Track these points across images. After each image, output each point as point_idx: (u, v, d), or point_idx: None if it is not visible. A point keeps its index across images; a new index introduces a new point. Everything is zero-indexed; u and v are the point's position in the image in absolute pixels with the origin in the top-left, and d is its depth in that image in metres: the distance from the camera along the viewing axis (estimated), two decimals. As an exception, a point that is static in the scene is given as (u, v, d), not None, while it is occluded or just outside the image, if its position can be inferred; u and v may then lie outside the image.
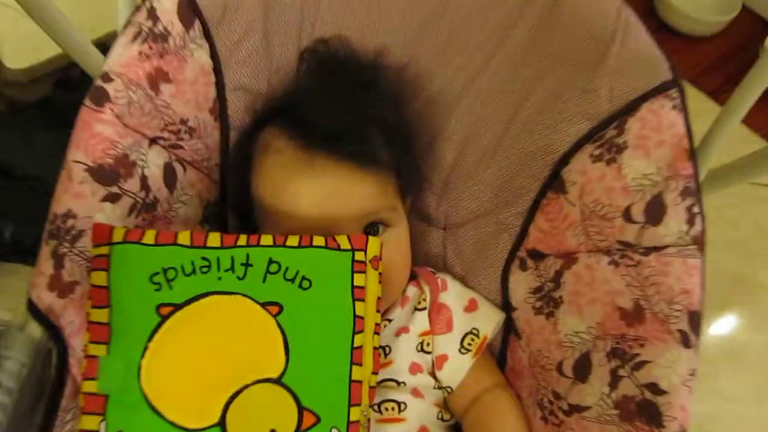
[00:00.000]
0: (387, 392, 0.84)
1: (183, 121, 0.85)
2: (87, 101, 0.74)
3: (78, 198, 0.73)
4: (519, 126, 0.90)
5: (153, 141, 0.82)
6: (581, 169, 0.83)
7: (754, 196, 1.70)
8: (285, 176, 0.82)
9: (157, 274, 0.72)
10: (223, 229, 0.97)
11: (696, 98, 1.81)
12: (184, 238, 0.74)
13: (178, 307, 0.72)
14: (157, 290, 0.72)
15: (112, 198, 0.76)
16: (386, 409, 0.83)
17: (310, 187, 0.81)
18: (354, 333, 0.72)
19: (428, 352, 0.88)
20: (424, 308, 0.90)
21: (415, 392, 0.85)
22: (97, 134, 0.74)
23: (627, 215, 0.76)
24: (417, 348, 0.87)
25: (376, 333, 0.75)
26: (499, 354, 0.94)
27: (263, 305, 0.72)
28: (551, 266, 0.87)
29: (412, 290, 0.92)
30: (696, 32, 1.99)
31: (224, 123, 0.92)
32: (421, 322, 0.89)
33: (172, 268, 0.73)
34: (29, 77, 1.19)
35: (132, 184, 0.78)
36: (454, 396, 0.88)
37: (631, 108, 0.78)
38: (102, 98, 0.75)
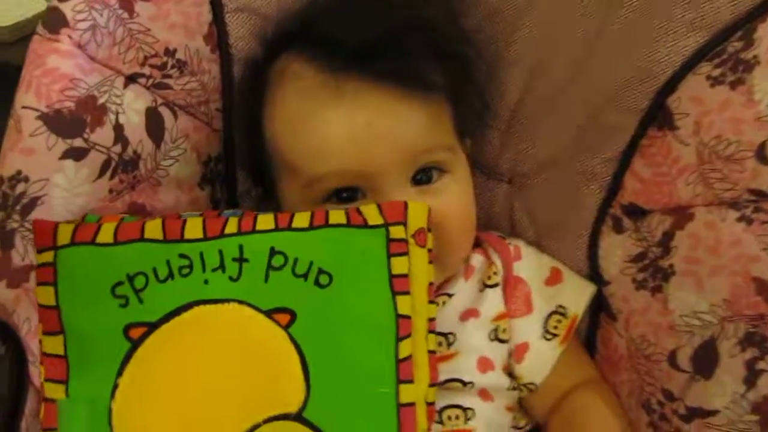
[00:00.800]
0: (449, 395, 0.76)
1: (169, 52, 0.76)
2: (39, 28, 0.65)
3: (30, 155, 0.64)
4: (608, 45, 0.78)
5: (130, 79, 0.73)
6: (695, 96, 0.72)
7: None
8: (305, 108, 0.74)
9: (120, 283, 0.63)
10: (231, 192, 0.90)
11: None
12: (153, 229, 0.65)
13: (152, 326, 0.63)
14: (122, 306, 0.63)
15: (76, 154, 0.67)
16: (449, 418, 0.75)
17: (340, 120, 0.71)
18: (398, 340, 0.62)
19: (504, 341, 0.79)
20: (497, 284, 0.81)
21: (484, 394, 0.77)
22: (51, 70, 0.65)
23: (762, 154, 0.66)
24: (489, 336, 0.79)
25: (430, 332, 0.66)
26: (585, 340, 0.86)
27: (268, 314, 0.63)
28: (657, 226, 0.76)
29: (477, 259, 0.84)
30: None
31: (224, 54, 0.84)
32: (494, 302, 0.80)
33: (140, 273, 0.64)
34: (16, 36, 1.18)
35: (102, 136, 0.69)
36: (535, 395, 0.81)
37: (762, 11, 0.68)
38: (57, 23, 0.66)
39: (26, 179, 0.63)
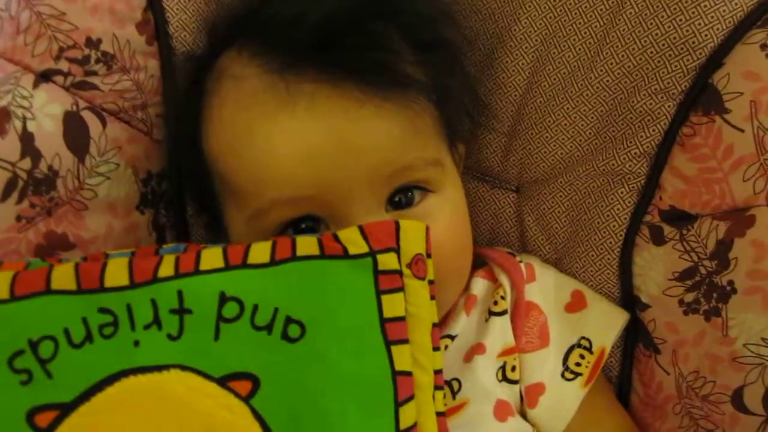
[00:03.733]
0: None
1: (92, 43, 0.65)
2: None
3: None
4: (630, 14, 0.69)
5: (42, 77, 0.63)
6: (749, 69, 0.63)
7: None
8: (248, 120, 0.63)
9: (21, 353, 0.51)
10: (179, 216, 0.80)
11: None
12: (63, 277, 0.53)
13: (66, 408, 0.51)
14: (24, 382, 0.51)
15: None
16: None
17: (291, 133, 0.61)
18: (397, 405, 0.51)
19: (513, 381, 0.69)
20: (505, 311, 0.72)
21: None
22: None
23: None
24: (498, 375, 0.69)
25: (438, 388, 0.55)
26: (618, 379, 0.78)
27: (222, 382, 0.51)
28: (709, 234, 0.68)
29: (480, 284, 0.74)
30: None
31: (164, 47, 0.74)
32: (501, 333, 0.71)
33: (47, 337, 0.52)
34: None
35: (5, 148, 0.58)
36: None
37: None
38: None
39: None
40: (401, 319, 0.53)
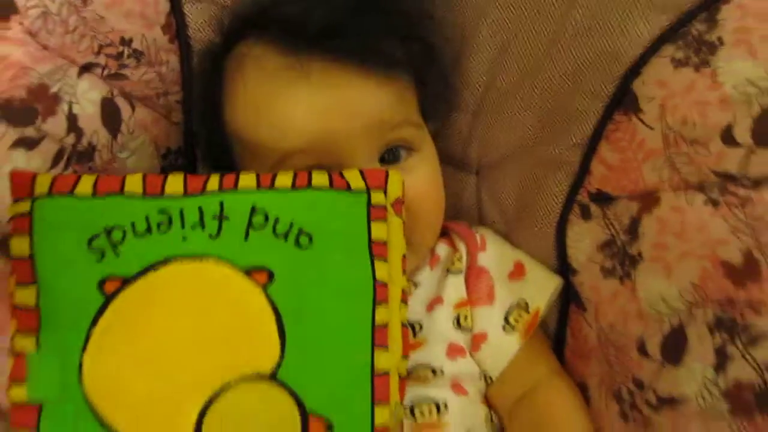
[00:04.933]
0: (421, 388, 0.75)
1: (125, 42, 0.76)
2: None
3: None
4: (571, 30, 0.79)
5: (84, 69, 0.72)
6: (660, 78, 0.73)
7: None
8: (270, 89, 0.74)
9: (97, 236, 0.63)
10: None
11: None
12: (133, 184, 0.65)
13: (127, 281, 0.62)
14: (98, 259, 0.62)
15: (28, 143, 0.66)
16: (422, 413, 0.74)
17: (305, 99, 0.72)
18: (375, 305, 0.62)
19: (467, 329, 0.79)
20: (460, 271, 0.82)
21: (457, 386, 0.76)
22: (1, 58, 0.64)
23: (727, 136, 0.66)
24: (453, 323, 0.79)
25: (403, 302, 0.66)
26: (556, 333, 0.85)
27: (247, 272, 0.62)
28: (624, 212, 0.76)
29: (443, 249, 0.84)
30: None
31: (183, 45, 0.84)
32: (456, 288, 0.81)
33: (118, 227, 0.63)
34: None
35: (55, 125, 0.69)
36: (495, 389, 0.80)
37: None
38: (7, 9, 0.64)
39: None
40: (383, 242, 0.64)
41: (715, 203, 0.66)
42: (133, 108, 0.79)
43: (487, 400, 0.80)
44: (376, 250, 0.63)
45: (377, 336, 0.61)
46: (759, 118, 0.63)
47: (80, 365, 0.61)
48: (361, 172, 0.66)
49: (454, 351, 0.78)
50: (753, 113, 0.64)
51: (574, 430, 0.76)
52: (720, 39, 0.67)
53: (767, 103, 0.63)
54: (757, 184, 0.63)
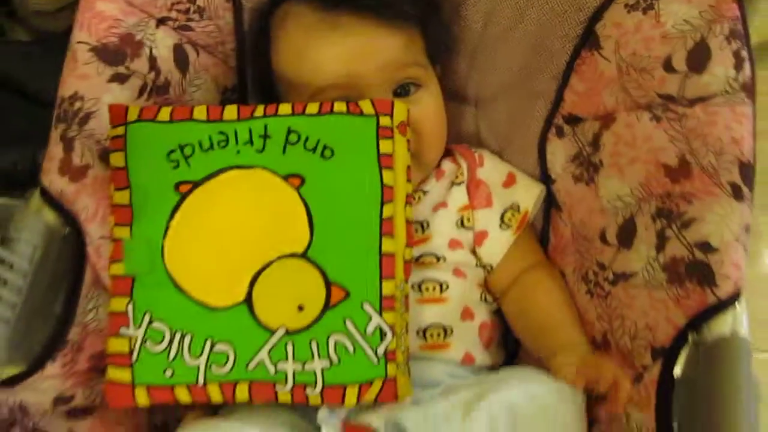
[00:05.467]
0: (427, 270, 0.84)
1: (191, 0, 0.85)
2: None
3: (84, 79, 0.74)
4: None
5: (160, 21, 0.82)
6: (616, 21, 0.80)
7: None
8: (307, 39, 0.83)
9: (173, 151, 0.74)
10: None
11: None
12: (199, 112, 0.75)
13: (196, 184, 0.74)
14: (174, 168, 0.74)
15: (120, 78, 0.76)
16: (427, 289, 0.82)
17: (334, 45, 0.81)
18: (383, 203, 0.71)
19: (469, 228, 0.88)
20: (462, 182, 0.89)
21: (457, 271, 0.85)
22: (99, 13, 0.74)
23: (668, 65, 0.73)
24: (457, 224, 0.87)
25: (408, 204, 0.75)
26: (541, 232, 0.94)
27: (284, 178, 0.72)
28: (589, 129, 0.84)
29: (448, 165, 0.91)
30: None
31: (237, 3, 0.91)
32: (459, 196, 0.89)
33: (188, 144, 0.74)
34: (56, 5, 1.16)
35: (140, 65, 0.79)
36: (494, 275, 0.88)
37: None
38: None
39: (82, 98, 0.73)
40: (389, 155, 0.72)
41: (658, 119, 0.74)
42: (197, 53, 0.87)
43: (482, 285, 0.87)
44: (383, 161, 0.72)
45: (384, 226, 0.71)
46: (692, 50, 0.71)
47: (162, 247, 0.72)
48: (372, 102, 0.74)
49: (454, 244, 0.86)
50: (687, 46, 0.71)
51: (554, 300, 0.84)
52: (663, -13, 0.74)
53: (699, 38, 0.70)
54: (691, 102, 0.71)
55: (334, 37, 0.81)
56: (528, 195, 0.91)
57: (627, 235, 0.76)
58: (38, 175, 0.73)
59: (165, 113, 0.75)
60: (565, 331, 0.81)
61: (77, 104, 0.73)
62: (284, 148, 0.73)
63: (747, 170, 0.67)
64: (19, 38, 1.19)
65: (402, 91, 0.85)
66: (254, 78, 0.94)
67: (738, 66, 0.69)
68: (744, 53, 0.69)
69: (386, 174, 0.72)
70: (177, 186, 0.74)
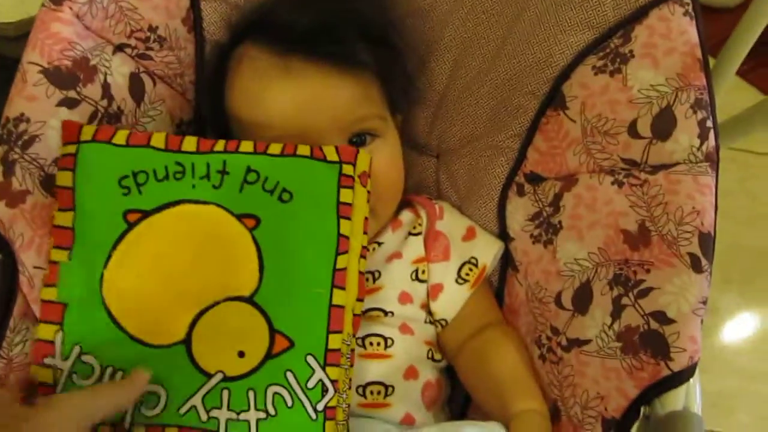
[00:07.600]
0: (373, 325, 0.82)
1: (152, 29, 0.83)
2: (45, 1, 0.73)
3: (31, 101, 0.71)
4: (515, 40, 0.86)
5: (118, 48, 0.80)
6: (583, 82, 0.80)
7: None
8: (260, 84, 0.81)
9: (126, 177, 0.72)
10: None
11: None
12: (158, 140, 0.73)
13: (146, 214, 0.72)
14: (125, 194, 0.72)
15: (69, 103, 0.74)
16: (371, 344, 0.81)
17: (287, 93, 0.79)
18: (337, 253, 0.70)
19: (423, 281, 0.86)
20: (420, 233, 0.89)
21: (404, 327, 0.83)
22: (54, 34, 0.72)
23: (632, 130, 0.73)
24: (411, 276, 0.86)
25: (362, 257, 0.73)
26: (496, 291, 0.92)
27: (239, 217, 0.71)
28: (550, 189, 0.84)
29: (406, 215, 0.91)
30: (716, 3, 1.96)
31: (199, 36, 0.91)
32: (415, 247, 0.88)
33: (143, 171, 0.72)
34: (18, 32, 1.19)
35: (92, 90, 0.76)
36: (448, 331, 0.86)
37: (639, 15, 0.76)
38: None
39: (27, 120, 0.70)
40: (349, 204, 0.71)
41: (620, 184, 0.74)
42: (154, 83, 0.85)
43: (430, 342, 0.86)
44: (342, 211, 0.71)
45: (337, 277, 0.69)
46: (657, 116, 0.71)
47: (102, 277, 0.70)
48: (336, 148, 0.73)
49: (404, 298, 0.84)
50: (653, 112, 0.72)
51: (513, 361, 0.81)
52: (631, 52, 0.75)
53: (665, 104, 0.71)
54: (654, 169, 0.71)
55: (286, 85, 0.79)
56: (487, 250, 0.89)
57: (583, 300, 0.75)
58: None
59: (121, 136, 0.73)
60: (523, 397, 0.78)
61: (22, 126, 0.70)
62: (241, 186, 0.72)
63: (707, 242, 0.66)
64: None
65: (358, 140, 0.83)
66: (209, 114, 0.93)
67: (702, 136, 0.69)
68: (709, 123, 0.69)
69: (344, 224, 0.71)
70: (126, 214, 0.71)
